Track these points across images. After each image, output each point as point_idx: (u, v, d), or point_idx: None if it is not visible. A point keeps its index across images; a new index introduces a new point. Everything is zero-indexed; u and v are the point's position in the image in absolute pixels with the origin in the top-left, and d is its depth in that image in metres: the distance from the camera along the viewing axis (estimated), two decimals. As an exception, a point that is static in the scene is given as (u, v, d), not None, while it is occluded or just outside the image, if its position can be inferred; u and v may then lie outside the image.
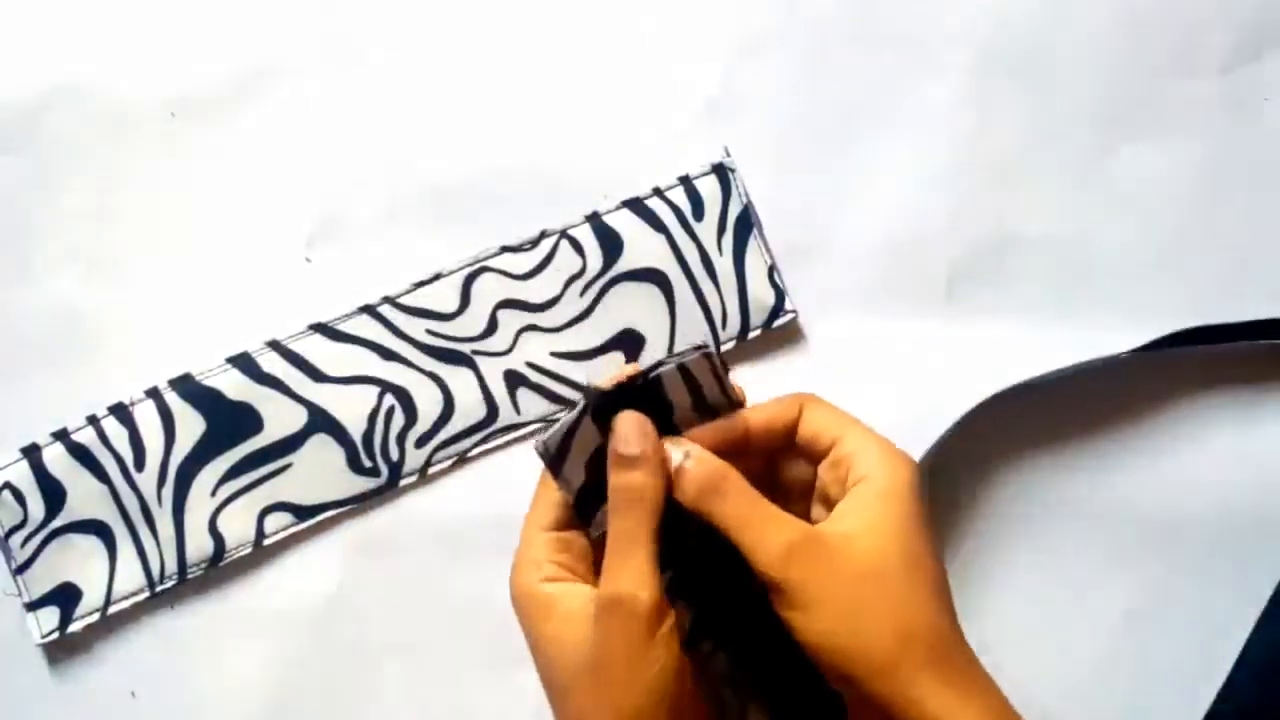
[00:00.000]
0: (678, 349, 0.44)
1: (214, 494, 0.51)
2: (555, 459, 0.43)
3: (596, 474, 0.44)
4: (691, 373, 0.44)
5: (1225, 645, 0.51)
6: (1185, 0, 0.55)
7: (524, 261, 0.53)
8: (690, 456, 0.43)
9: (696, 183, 0.54)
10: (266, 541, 0.52)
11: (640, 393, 0.44)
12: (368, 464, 0.52)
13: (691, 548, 0.44)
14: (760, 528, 0.41)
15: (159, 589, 0.51)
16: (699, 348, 0.44)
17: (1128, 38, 0.55)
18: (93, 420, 0.51)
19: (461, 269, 0.53)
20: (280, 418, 0.52)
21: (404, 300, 0.53)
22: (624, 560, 0.41)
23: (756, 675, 0.46)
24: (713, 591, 0.45)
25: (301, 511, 0.52)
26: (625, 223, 0.53)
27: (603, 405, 0.43)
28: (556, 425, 0.43)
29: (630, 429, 0.43)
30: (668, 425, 0.44)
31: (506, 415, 0.53)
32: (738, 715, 0.45)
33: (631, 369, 0.44)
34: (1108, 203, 0.54)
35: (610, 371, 0.49)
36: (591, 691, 0.40)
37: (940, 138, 0.55)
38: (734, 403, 0.46)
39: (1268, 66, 0.55)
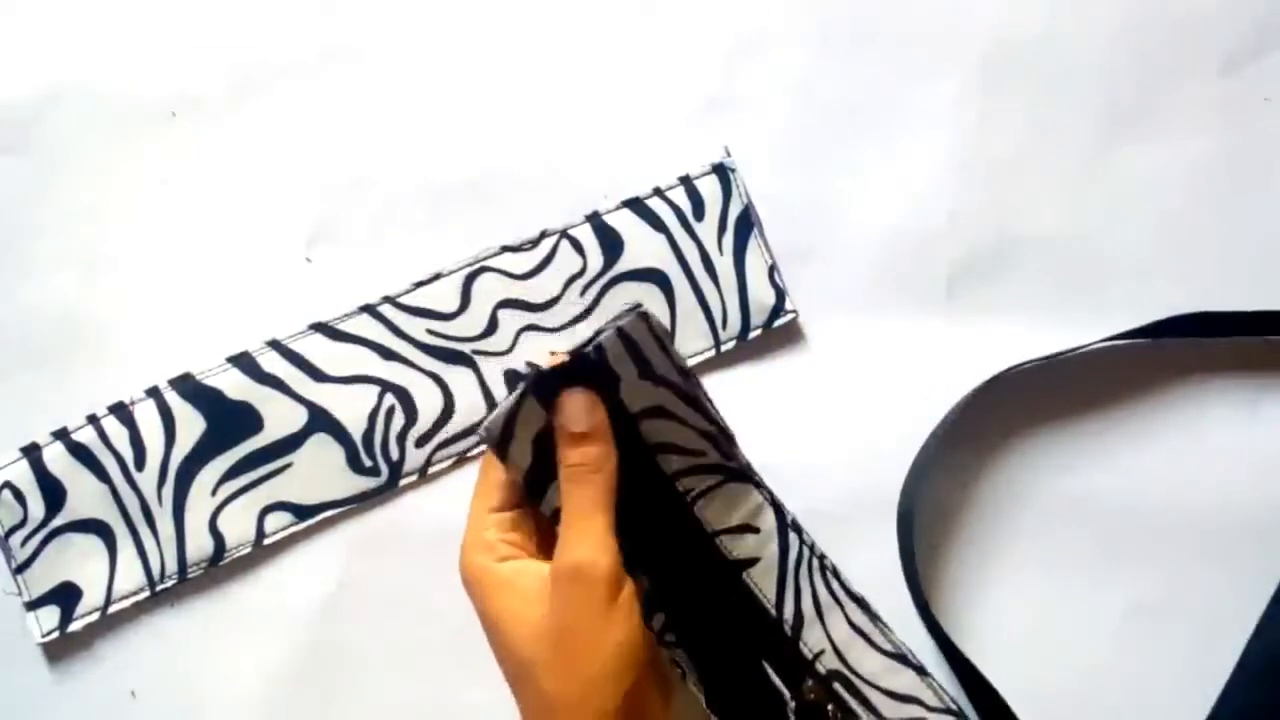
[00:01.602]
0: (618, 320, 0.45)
1: (214, 493, 0.51)
2: (501, 442, 0.44)
3: (544, 453, 0.44)
4: (631, 337, 0.45)
5: (1225, 646, 0.51)
6: (1185, 0, 0.55)
7: (524, 261, 0.53)
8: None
9: (697, 182, 0.54)
10: (267, 541, 0.52)
11: (583, 368, 0.44)
12: (368, 463, 0.52)
13: (654, 518, 0.45)
14: (576, 533, 0.43)
15: (159, 588, 0.51)
16: (633, 308, 0.44)
17: (1128, 38, 0.55)
18: (93, 419, 0.51)
19: (462, 269, 0.53)
20: (280, 417, 0.52)
21: (404, 300, 0.53)
22: (583, 529, 0.42)
23: (701, 653, 0.46)
24: (669, 566, 0.46)
25: (302, 511, 0.52)
26: (626, 222, 0.53)
27: (546, 385, 0.44)
28: (498, 409, 0.44)
29: (576, 406, 0.43)
30: (616, 400, 0.45)
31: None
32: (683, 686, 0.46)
33: (571, 348, 0.45)
34: (1108, 203, 0.54)
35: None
36: (555, 661, 0.41)
37: (941, 137, 0.55)
38: (685, 373, 0.46)
39: (1268, 66, 0.55)
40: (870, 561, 0.52)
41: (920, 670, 0.49)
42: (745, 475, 0.48)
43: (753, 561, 0.48)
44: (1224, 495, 0.52)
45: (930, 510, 0.52)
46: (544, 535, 0.45)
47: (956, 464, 0.53)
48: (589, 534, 0.42)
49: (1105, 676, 0.52)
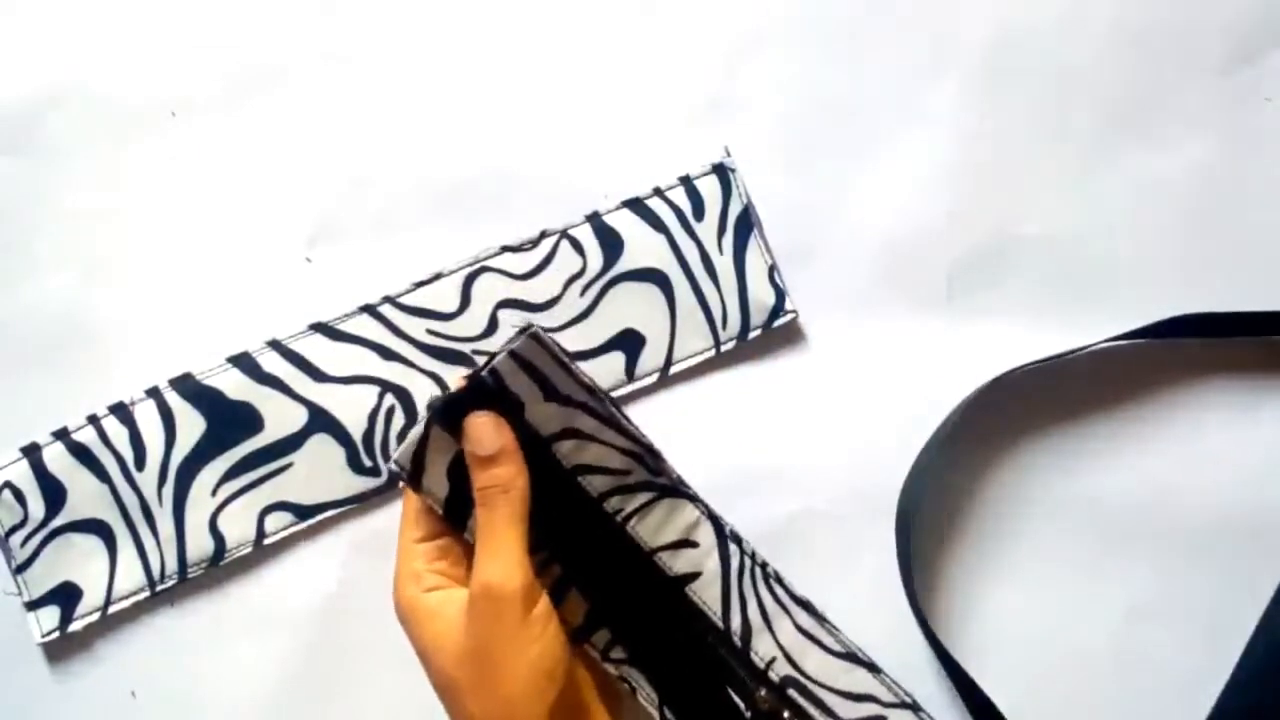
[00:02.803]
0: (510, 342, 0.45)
1: (214, 493, 0.51)
2: (413, 475, 0.45)
3: (460, 480, 0.44)
4: (525, 358, 0.45)
5: (1226, 646, 0.51)
6: (1185, 1, 0.55)
7: (524, 261, 0.53)
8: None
9: (697, 183, 0.54)
10: (267, 541, 0.52)
11: (484, 394, 0.44)
12: (368, 463, 0.52)
13: (586, 540, 0.46)
14: (489, 553, 0.43)
15: (159, 588, 0.51)
16: (523, 330, 0.45)
17: (1128, 39, 0.55)
18: (93, 419, 0.51)
19: (462, 269, 0.53)
20: (281, 417, 0.52)
21: (404, 300, 0.53)
22: (493, 550, 0.42)
23: (652, 666, 0.47)
24: (608, 586, 0.46)
25: (302, 511, 0.52)
26: (626, 222, 0.53)
27: (452, 413, 0.44)
28: (406, 442, 0.44)
29: (481, 429, 0.44)
30: (521, 423, 0.45)
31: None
32: (655, 694, 0.47)
33: (467, 374, 0.45)
34: (1108, 203, 0.54)
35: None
36: (475, 683, 0.41)
37: (941, 138, 0.55)
38: (593, 392, 0.46)
39: (1268, 66, 0.55)
40: (870, 562, 0.52)
41: (871, 667, 0.49)
42: (677, 490, 0.49)
43: (694, 576, 0.48)
44: (1224, 496, 0.52)
45: (930, 511, 0.52)
46: (472, 560, 0.45)
47: (956, 465, 0.53)
48: (499, 553, 0.42)
49: (1105, 676, 0.52)
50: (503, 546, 0.43)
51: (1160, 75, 0.55)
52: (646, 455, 0.48)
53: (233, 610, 0.52)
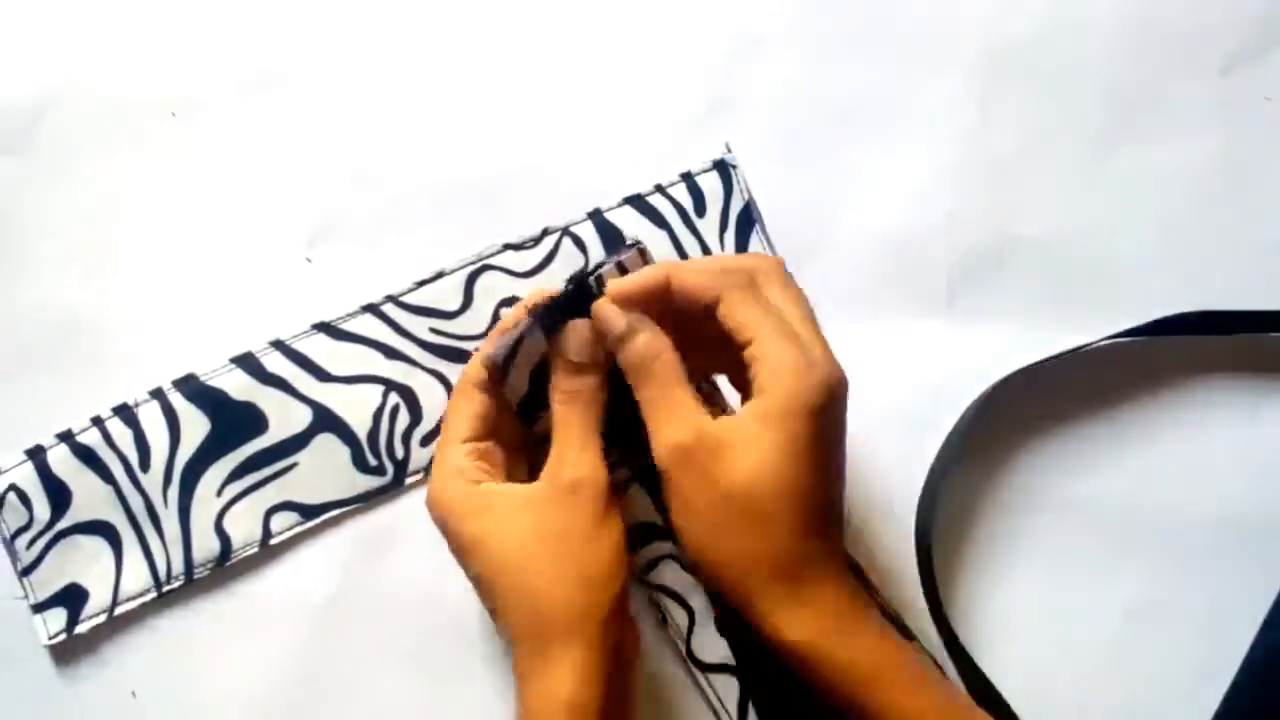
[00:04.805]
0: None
1: (219, 494, 0.52)
2: (503, 368, 0.46)
3: (540, 380, 0.46)
4: (629, 271, 0.46)
5: (1226, 646, 0.52)
6: (1186, 0, 0.55)
7: (527, 259, 0.53)
8: (637, 331, 0.44)
9: (698, 179, 0.54)
10: (272, 541, 0.52)
11: (584, 300, 0.46)
12: (373, 463, 0.52)
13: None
14: (663, 418, 0.43)
15: (165, 589, 0.51)
16: (632, 244, 0.47)
17: (1128, 38, 0.55)
18: (97, 421, 0.51)
19: (464, 267, 0.53)
20: (285, 417, 0.52)
21: (407, 299, 0.53)
22: (580, 450, 0.45)
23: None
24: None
25: (307, 511, 0.52)
26: (627, 219, 0.54)
27: (551, 316, 0.46)
28: (502, 340, 0.46)
29: (582, 336, 0.46)
30: None
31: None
32: (685, 625, 0.50)
33: (571, 275, 0.47)
34: (1108, 203, 0.55)
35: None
36: (550, 563, 0.43)
37: (941, 138, 0.55)
38: None
39: (1268, 66, 0.55)
40: (867, 563, 0.52)
41: (908, 636, 0.50)
42: None
43: None
44: (1225, 495, 0.53)
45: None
46: (510, 466, 0.47)
47: (957, 467, 0.53)
48: (587, 454, 0.45)
49: (1105, 676, 0.52)
50: (588, 448, 0.45)
51: (1160, 74, 0.55)
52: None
53: (240, 610, 0.52)
